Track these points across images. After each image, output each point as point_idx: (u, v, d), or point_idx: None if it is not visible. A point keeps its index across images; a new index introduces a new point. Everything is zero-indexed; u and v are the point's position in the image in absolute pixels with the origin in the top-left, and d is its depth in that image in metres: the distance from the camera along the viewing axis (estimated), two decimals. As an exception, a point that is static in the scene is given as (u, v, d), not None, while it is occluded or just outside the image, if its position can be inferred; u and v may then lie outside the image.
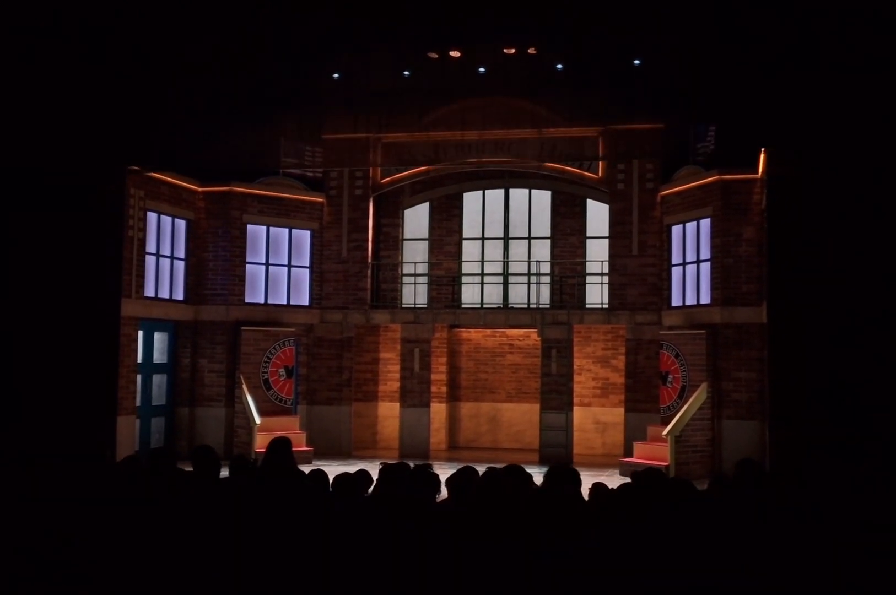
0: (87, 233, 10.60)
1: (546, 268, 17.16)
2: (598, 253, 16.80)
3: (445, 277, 17.61)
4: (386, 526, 4.46)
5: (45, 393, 10.37)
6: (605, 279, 16.46)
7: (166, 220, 15.19)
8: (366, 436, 17.59)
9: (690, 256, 15.19)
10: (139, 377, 14.51)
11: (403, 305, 17.28)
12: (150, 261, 14.75)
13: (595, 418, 17.15)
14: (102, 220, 10.79)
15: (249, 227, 16.13)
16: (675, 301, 15.52)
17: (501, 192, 17.40)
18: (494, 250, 17.51)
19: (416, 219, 17.81)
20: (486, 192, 17.48)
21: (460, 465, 5.66)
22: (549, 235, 17.22)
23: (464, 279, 17.58)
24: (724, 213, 14.36)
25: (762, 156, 12.54)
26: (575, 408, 16.38)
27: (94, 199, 10.64)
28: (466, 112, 15.98)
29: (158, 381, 15.51)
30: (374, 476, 5.83)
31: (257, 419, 14.91)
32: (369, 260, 17.09)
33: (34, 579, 4.56)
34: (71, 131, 10.18)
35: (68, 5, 9.86)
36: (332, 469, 6.12)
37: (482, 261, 17.49)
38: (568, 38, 13.91)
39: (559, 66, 14.86)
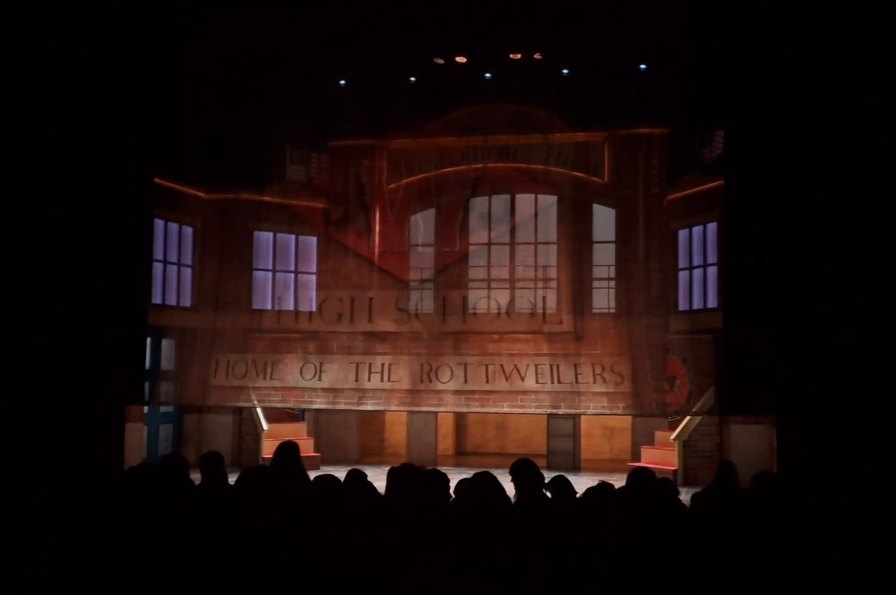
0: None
1: (553, 273, 17.11)
2: (604, 258, 16.75)
3: (451, 283, 17.56)
4: (395, 529, 4.45)
5: (52, 398, 10.38)
6: (612, 284, 16.41)
7: (173, 227, 15.21)
8: (373, 442, 17.57)
9: (697, 261, 15.16)
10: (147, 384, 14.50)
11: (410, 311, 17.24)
12: (158, 268, 14.78)
13: (602, 424, 17.10)
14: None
15: (256, 234, 16.15)
16: (682, 305, 15.47)
17: (507, 197, 17.36)
18: (501, 255, 17.46)
19: (422, 224, 17.77)
20: (492, 197, 17.43)
21: (468, 471, 5.65)
22: (555, 241, 17.17)
23: (470, 285, 17.54)
24: (730, 218, 14.30)
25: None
26: (582, 413, 16.34)
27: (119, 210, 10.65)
28: (472, 118, 15.98)
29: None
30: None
31: (265, 426, 14.91)
32: (375, 266, 17.05)
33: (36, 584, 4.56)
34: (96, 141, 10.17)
35: (69, 6, 9.90)
36: (340, 475, 6.12)
37: (488, 266, 17.44)
38: (574, 44, 13.91)
39: (565, 71, 14.86)
